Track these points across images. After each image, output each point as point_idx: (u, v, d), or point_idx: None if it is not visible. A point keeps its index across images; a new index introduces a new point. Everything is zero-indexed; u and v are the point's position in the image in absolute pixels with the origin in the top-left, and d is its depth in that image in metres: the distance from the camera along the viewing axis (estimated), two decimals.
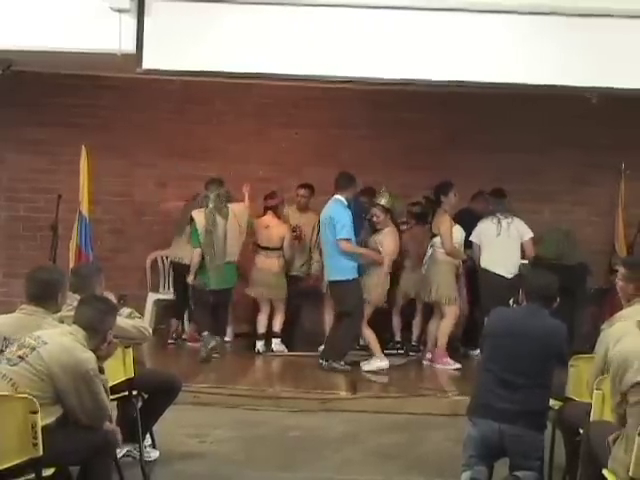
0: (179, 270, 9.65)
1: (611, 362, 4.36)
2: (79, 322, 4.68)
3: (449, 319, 8.96)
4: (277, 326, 9.58)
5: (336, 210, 8.65)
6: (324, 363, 8.68)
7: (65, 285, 5.18)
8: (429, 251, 9.11)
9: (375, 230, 9.01)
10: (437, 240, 8.99)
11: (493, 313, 5.67)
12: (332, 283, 8.80)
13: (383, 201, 8.90)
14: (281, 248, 9.48)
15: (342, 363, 8.69)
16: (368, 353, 8.99)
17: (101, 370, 4.65)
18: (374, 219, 8.99)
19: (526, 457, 5.20)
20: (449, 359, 9.01)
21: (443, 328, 8.99)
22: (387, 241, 8.87)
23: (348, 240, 8.56)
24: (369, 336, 8.87)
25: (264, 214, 9.61)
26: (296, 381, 8.34)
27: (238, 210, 9.21)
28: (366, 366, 8.80)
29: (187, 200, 9.73)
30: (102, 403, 4.57)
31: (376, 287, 8.81)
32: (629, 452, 4.07)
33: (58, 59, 7.96)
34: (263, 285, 9.46)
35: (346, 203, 8.70)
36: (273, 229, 9.50)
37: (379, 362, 8.82)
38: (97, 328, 4.69)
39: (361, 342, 9.24)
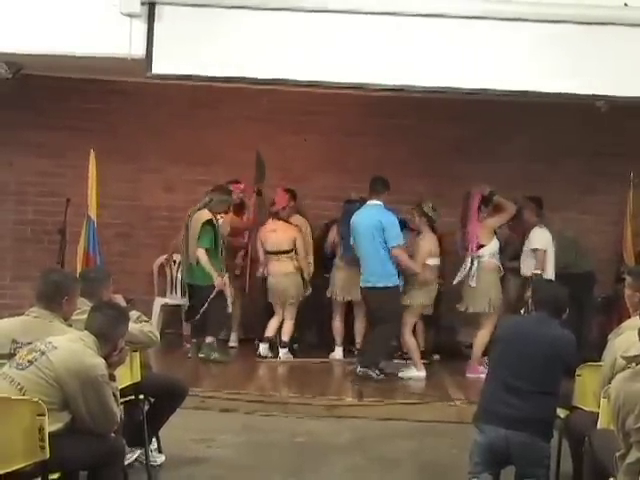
0: None
1: (615, 397, 4.23)
2: (90, 329, 4.68)
3: (488, 329, 8.68)
4: (286, 335, 9.53)
5: (384, 215, 8.67)
6: (359, 369, 8.62)
7: (75, 292, 5.17)
8: (474, 264, 8.84)
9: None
10: (484, 251, 8.88)
11: (503, 321, 5.68)
12: (371, 289, 8.69)
13: (425, 208, 8.96)
14: (291, 251, 9.46)
15: (377, 372, 8.63)
16: (406, 360, 9.08)
17: (112, 377, 4.65)
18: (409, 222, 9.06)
19: (532, 465, 5.18)
20: (482, 368, 8.87)
21: (481, 338, 8.85)
22: (422, 244, 8.92)
23: (401, 247, 8.64)
24: (412, 344, 8.90)
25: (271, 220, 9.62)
26: (303, 387, 8.33)
27: (196, 217, 9.21)
28: (402, 373, 8.85)
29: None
30: (110, 410, 4.56)
31: (418, 293, 8.85)
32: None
33: (68, 63, 7.97)
34: (278, 288, 9.45)
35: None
36: (279, 233, 9.50)
37: (416, 372, 8.86)
38: (108, 335, 4.69)
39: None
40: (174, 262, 10.18)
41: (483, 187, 9.03)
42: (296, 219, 9.81)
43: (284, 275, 9.43)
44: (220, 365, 9.07)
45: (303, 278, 9.53)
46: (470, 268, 8.83)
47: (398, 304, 8.67)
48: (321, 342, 10.13)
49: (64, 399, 4.42)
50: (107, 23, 7.45)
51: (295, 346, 9.81)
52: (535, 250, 8.98)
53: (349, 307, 9.65)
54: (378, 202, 8.77)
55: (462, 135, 10.29)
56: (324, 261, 9.78)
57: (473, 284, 8.82)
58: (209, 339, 9.23)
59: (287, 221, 9.65)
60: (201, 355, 9.14)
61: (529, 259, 9.06)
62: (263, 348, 9.46)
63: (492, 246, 8.94)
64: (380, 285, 8.61)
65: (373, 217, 8.70)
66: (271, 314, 9.66)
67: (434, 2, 7.50)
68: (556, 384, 5.23)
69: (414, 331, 9.47)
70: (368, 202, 8.86)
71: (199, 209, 9.25)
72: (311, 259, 9.72)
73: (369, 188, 8.87)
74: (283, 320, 9.57)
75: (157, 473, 5.95)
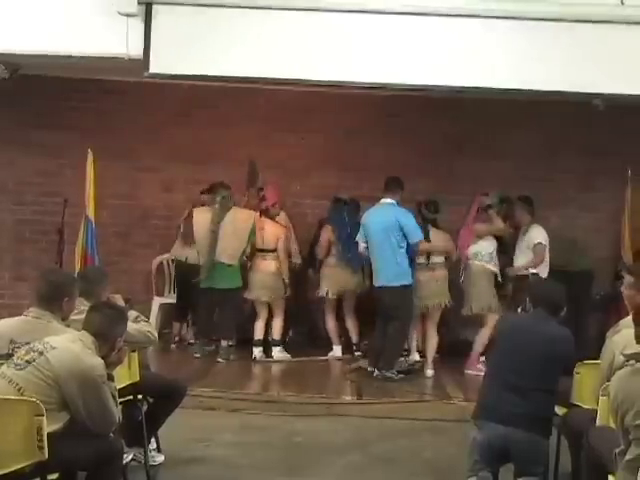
0: (182, 270, 9.76)
1: (614, 394, 4.23)
2: (89, 329, 4.67)
3: (489, 328, 8.68)
4: (276, 333, 9.48)
5: (401, 214, 8.67)
6: (377, 373, 8.64)
7: (74, 293, 5.17)
8: (462, 264, 9.05)
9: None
10: (477, 250, 8.97)
11: (501, 319, 5.69)
12: (387, 288, 8.64)
13: (421, 207, 9.01)
14: (276, 250, 9.39)
15: (395, 372, 8.64)
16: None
17: (110, 377, 4.64)
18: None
19: (531, 462, 5.19)
20: (481, 366, 8.82)
21: (483, 336, 8.89)
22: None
23: (422, 241, 8.70)
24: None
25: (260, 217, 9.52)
26: (301, 386, 8.33)
27: (241, 217, 9.22)
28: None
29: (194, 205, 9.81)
30: (109, 410, 4.55)
31: (435, 292, 8.91)
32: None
33: (65, 63, 7.96)
34: (260, 287, 9.37)
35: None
36: (267, 231, 9.40)
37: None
38: (107, 335, 4.68)
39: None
40: (172, 261, 10.18)
41: (483, 198, 9.11)
42: (281, 218, 9.76)
43: (268, 275, 9.36)
44: (220, 365, 9.08)
45: (283, 279, 9.42)
46: (460, 268, 9.03)
47: (410, 303, 8.69)
48: (314, 341, 10.11)
49: (62, 399, 4.41)
50: (104, 23, 7.46)
51: (288, 338, 9.84)
52: (537, 245, 8.95)
53: (339, 306, 9.63)
54: (391, 201, 8.75)
55: (461, 133, 10.30)
56: (313, 260, 9.76)
57: (460, 282, 9.04)
58: (225, 342, 9.31)
59: (274, 219, 9.57)
60: (220, 359, 9.19)
61: (523, 256, 9.06)
62: (257, 352, 9.41)
63: (480, 247, 8.98)
64: (396, 284, 8.59)
65: (389, 216, 8.65)
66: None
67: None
68: (554, 382, 5.24)
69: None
70: (381, 201, 8.82)
71: (221, 210, 9.17)
72: (299, 259, 9.78)
73: (384, 187, 8.85)
74: (269, 318, 9.52)
75: (156, 473, 5.94)
